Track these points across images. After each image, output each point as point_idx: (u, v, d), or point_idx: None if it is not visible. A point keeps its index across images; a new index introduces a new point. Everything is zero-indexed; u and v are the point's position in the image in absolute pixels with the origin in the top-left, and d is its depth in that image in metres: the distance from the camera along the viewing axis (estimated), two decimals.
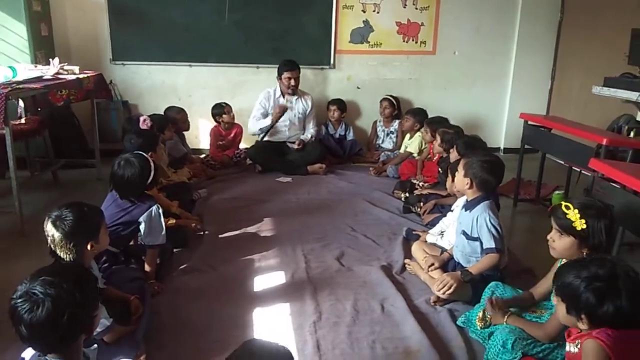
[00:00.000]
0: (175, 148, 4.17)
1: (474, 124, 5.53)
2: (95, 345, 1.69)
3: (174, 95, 5.24)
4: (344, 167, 4.98)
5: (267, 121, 4.71)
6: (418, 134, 4.74)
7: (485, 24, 5.47)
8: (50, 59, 4.03)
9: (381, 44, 5.44)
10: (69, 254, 1.84)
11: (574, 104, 5.19)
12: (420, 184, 4.03)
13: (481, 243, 2.43)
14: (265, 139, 4.86)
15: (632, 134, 3.49)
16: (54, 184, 4.24)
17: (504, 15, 5.47)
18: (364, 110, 5.61)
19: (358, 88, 5.54)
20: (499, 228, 2.41)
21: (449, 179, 2.59)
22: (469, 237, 2.49)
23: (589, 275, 1.49)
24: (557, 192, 4.09)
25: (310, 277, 2.70)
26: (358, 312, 2.36)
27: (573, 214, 1.88)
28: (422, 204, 3.60)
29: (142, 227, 2.47)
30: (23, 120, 3.94)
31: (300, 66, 4.80)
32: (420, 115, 4.79)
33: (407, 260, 2.85)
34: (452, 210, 2.95)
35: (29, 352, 1.39)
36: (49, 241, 1.86)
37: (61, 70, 3.96)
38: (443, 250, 2.74)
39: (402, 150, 4.92)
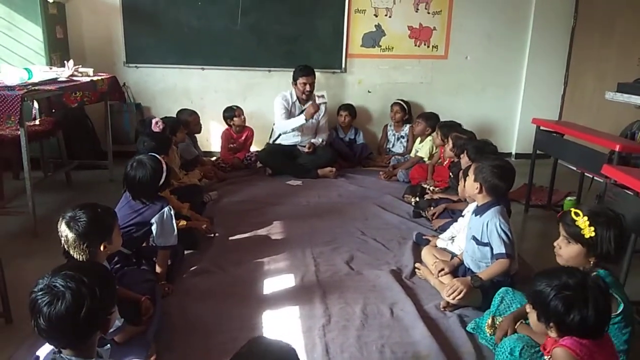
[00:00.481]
0: (187, 150, 4.20)
1: (485, 129, 5.51)
2: (109, 345, 1.70)
3: (187, 98, 5.28)
4: (355, 171, 4.98)
5: (300, 120, 4.70)
6: (429, 138, 4.73)
7: (498, 29, 5.46)
8: (65, 61, 4.08)
9: (393, 48, 5.44)
10: (83, 255, 1.86)
11: (587, 110, 5.15)
12: (431, 188, 4.02)
13: (491, 248, 2.42)
14: (278, 141, 4.88)
15: None
16: (67, 185, 4.29)
17: (517, 20, 5.45)
18: (374, 114, 5.62)
19: (369, 92, 5.54)
20: (509, 233, 2.40)
21: (461, 184, 2.58)
22: (479, 243, 2.48)
23: (559, 284, 1.51)
24: (569, 198, 4.06)
25: (320, 281, 2.70)
26: (367, 316, 2.36)
27: (582, 221, 1.85)
28: (432, 208, 3.59)
29: (154, 228, 2.49)
30: (37, 122, 4.00)
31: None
32: (431, 120, 4.79)
33: (417, 265, 2.84)
34: (463, 216, 2.94)
35: (44, 350, 1.40)
36: (62, 241, 1.88)
37: (76, 73, 4.01)
38: (453, 255, 2.73)
39: (412, 154, 4.92)
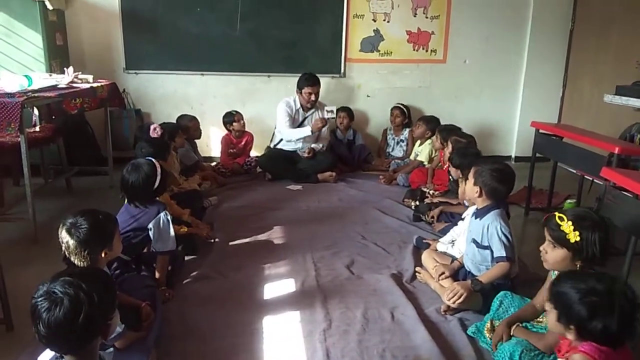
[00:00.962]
0: (187, 156, 4.21)
1: (485, 132, 5.52)
2: (112, 349, 1.70)
3: (186, 104, 5.29)
4: (355, 175, 4.99)
5: (306, 131, 4.72)
6: (428, 141, 4.74)
7: (496, 33, 5.47)
8: (65, 68, 4.10)
9: (391, 52, 5.45)
10: (83, 262, 1.86)
11: (586, 113, 5.16)
12: (431, 192, 4.03)
13: (492, 251, 2.42)
14: (278, 146, 4.89)
15: None
16: (67, 191, 4.29)
17: (515, 24, 5.47)
18: (374, 119, 5.63)
19: (368, 96, 5.56)
20: (509, 236, 2.40)
21: (461, 187, 2.58)
22: (479, 246, 2.48)
23: (586, 288, 1.49)
24: (568, 201, 4.06)
25: (320, 285, 2.70)
26: (368, 321, 2.36)
27: (567, 226, 1.85)
28: (432, 211, 3.59)
29: (151, 233, 2.49)
30: (38, 128, 4.00)
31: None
32: (432, 123, 4.80)
33: (418, 268, 2.84)
34: (462, 219, 2.94)
35: (46, 356, 1.41)
36: (63, 248, 1.88)
37: (75, 79, 4.02)
38: (454, 259, 2.73)
39: (412, 157, 4.92)
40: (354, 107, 5.41)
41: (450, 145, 3.77)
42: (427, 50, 5.49)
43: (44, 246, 3.10)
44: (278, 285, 2.72)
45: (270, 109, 4.96)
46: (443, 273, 2.59)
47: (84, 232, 1.85)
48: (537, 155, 3.91)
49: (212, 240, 3.23)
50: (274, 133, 5.03)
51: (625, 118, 4.12)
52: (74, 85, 3.92)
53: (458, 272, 2.61)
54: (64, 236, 1.87)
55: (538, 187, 4.33)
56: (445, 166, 4.11)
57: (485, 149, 5.13)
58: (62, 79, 3.91)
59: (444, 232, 3.21)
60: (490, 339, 2.11)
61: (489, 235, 2.42)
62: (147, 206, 2.53)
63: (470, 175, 2.54)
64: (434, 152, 4.60)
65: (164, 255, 2.55)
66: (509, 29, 5.48)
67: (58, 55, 4.67)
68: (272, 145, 4.99)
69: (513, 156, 5.79)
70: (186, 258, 2.94)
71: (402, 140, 5.31)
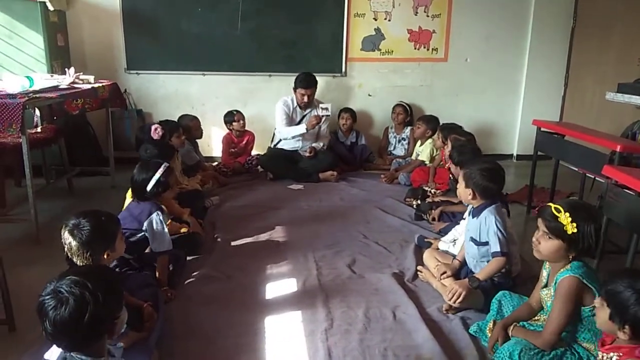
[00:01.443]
0: (189, 156, 4.21)
1: (486, 130, 5.52)
2: (122, 344, 1.70)
3: (188, 104, 5.30)
4: (356, 174, 4.99)
5: (301, 129, 4.73)
6: (429, 141, 4.74)
7: (497, 31, 5.46)
8: (66, 69, 4.10)
9: (392, 51, 5.45)
10: (86, 263, 1.87)
11: (587, 111, 5.15)
12: (432, 191, 4.02)
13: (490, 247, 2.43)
14: (279, 146, 4.89)
15: None
16: (69, 192, 4.30)
17: (516, 22, 5.46)
18: (375, 118, 5.62)
19: (369, 95, 5.55)
20: (504, 231, 2.41)
21: (460, 185, 2.59)
22: (477, 243, 2.48)
23: None
24: (571, 199, 4.05)
25: (322, 284, 2.70)
26: (370, 320, 2.36)
27: (564, 217, 1.83)
28: (434, 211, 3.59)
29: (146, 233, 2.51)
30: (39, 129, 4.01)
31: (312, 74, 4.82)
32: (432, 123, 4.79)
33: (419, 267, 2.84)
34: (464, 218, 2.94)
35: (53, 353, 1.42)
36: (65, 249, 1.89)
37: (77, 80, 4.03)
38: (455, 258, 2.73)
39: (413, 157, 4.92)
40: (355, 106, 5.41)
41: (449, 144, 3.77)
42: (428, 49, 5.48)
43: (45, 247, 3.10)
44: (280, 284, 2.72)
45: (272, 109, 4.96)
46: (445, 272, 2.59)
47: (86, 233, 1.86)
48: (539, 153, 3.91)
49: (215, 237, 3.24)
50: (274, 133, 5.03)
51: (627, 116, 4.11)
52: (76, 85, 3.93)
53: (460, 271, 2.61)
54: (67, 237, 1.87)
55: (540, 185, 4.32)
56: (447, 165, 4.10)
57: (486, 148, 5.14)
58: (64, 80, 3.92)
59: (444, 231, 3.21)
60: None
61: (487, 231, 2.43)
62: (142, 204, 2.58)
63: (461, 179, 2.56)
64: (435, 151, 4.60)
65: (163, 256, 2.56)
66: (510, 27, 5.47)
67: (59, 56, 4.68)
68: (272, 145, 4.99)
69: (515, 154, 5.78)
70: (188, 258, 2.94)
71: (403, 139, 5.31)
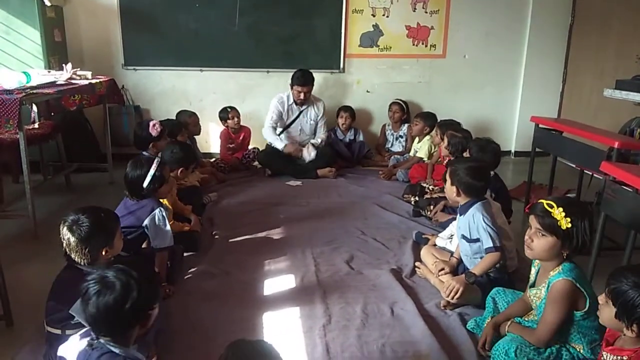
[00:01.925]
0: None
1: (484, 127, 5.52)
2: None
3: (185, 100, 5.28)
4: (354, 170, 4.99)
5: (280, 145, 4.73)
6: (427, 137, 4.73)
7: (496, 28, 5.46)
8: (64, 65, 4.08)
9: (391, 47, 5.44)
10: (84, 259, 1.87)
11: (586, 107, 5.16)
12: (430, 187, 4.03)
13: (482, 243, 2.43)
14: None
15: None
16: (66, 188, 4.29)
17: (515, 19, 5.46)
18: (373, 114, 5.62)
19: (368, 92, 5.55)
20: (493, 226, 2.41)
21: (447, 182, 2.60)
22: (468, 240, 2.49)
23: None
24: (568, 195, 4.06)
25: (320, 281, 2.70)
26: (368, 316, 2.36)
27: (558, 213, 1.79)
28: (432, 207, 3.59)
29: (147, 230, 2.50)
30: (36, 125, 3.99)
31: (310, 70, 4.81)
32: (429, 119, 4.79)
33: (417, 263, 2.84)
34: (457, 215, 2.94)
35: (69, 346, 1.43)
36: (64, 245, 1.88)
37: (74, 76, 4.01)
38: (452, 254, 2.73)
39: (411, 154, 4.92)
40: (353, 102, 5.41)
41: (446, 140, 3.77)
42: (426, 45, 5.48)
43: (43, 243, 3.10)
44: (278, 281, 2.73)
45: (270, 105, 4.95)
46: (442, 269, 2.59)
47: (85, 229, 1.85)
48: (537, 150, 3.91)
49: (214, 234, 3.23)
50: None
51: (625, 112, 4.11)
52: (73, 81, 3.91)
53: (457, 268, 2.61)
54: (65, 233, 1.87)
55: (538, 182, 4.33)
56: (445, 161, 4.10)
57: None
58: (61, 76, 3.90)
59: (444, 225, 3.21)
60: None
61: (477, 228, 2.44)
62: (142, 201, 2.54)
63: (447, 176, 2.56)
64: (433, 147, 4.60)
65: (162, 252, 2.55)
66: (508, 23, 5.47)
67: (56, 51, 4.66)
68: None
69: (513, 151, 5.79)
70: (186, 254, 2.93)
71: (400, 136, 5.30)
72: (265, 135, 4.85)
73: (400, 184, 4.46)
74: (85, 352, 1.41)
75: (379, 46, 5.43)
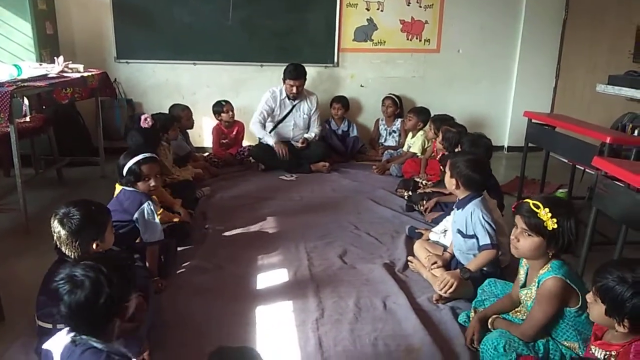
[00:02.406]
0: (180, 146, 4.18)
1: (478, 122, 5.53)
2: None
3: (178, 94, 5.26)
4: (348, 165, 4.99)
5: (270, 141, 4.71)
6: (420, 133, 4.74)
7: (490, 22, 5.46)
8: (55, 57, 4.05)
9: (385, 42, 5.43)
10: (74, 252, 1.86)
11: (578, 103, 5.17)
12: (424, 182, 4.03)
13: (478, 240, 2.44)
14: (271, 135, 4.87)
15: (636, 132, 3.49)
16: (58, 182, 4.26)
17: (508, 13, 5.46)
18: (367, 108, 5.62)
19: (362, 86, 5.54)
20: (491, 223, 2.42)
21: (446, 174, 2.61)
22: (464, 235, 2.50)
23: (637, 281, 1.42)
24: (560, 190, 4.09)
25: (313, 275, 2.71)
26: (360, 310, 2.37)
27: (544, 213, 1.80)
28: (425, 202, 3.60)
29: (138, 224, 2.49)
30: (28, 119, 3.96)
31: (304, 64, 4.79)
32: (422, 114, 4.79)
33: (410, 258, 2.85)
34: (454, 209, 2.95)
35: (54, 342, 1.42)
36: (54, 237, 1.88)
37: (66, 69, 3.98)
38: (445, 248, 2.74)
39: (405, 149, 4.92)
40: (348, 97, 5.39)
41: (440, 135, 3.78)
42: (420, 40, 5.47)
43: (35, 237, 3.07)
44: (271, 275, 2.72)
45: (261, 98, 4.93)
46: (435, 263, 2.60)
47: (76, 222, 1.85)
48: (530, 145, 3.93)
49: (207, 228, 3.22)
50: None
51: (618, 107, 4.13)
52: (65, 74, 3.88)
53: (450, 262, 2.62)
54: (56, 226, 1.86)
55: (530, 176, 4.35)
56: (438, 156, 4.11)
57: None
58: (53, 69, 3.87)
59: (436, 221, 3.22)
60: None
61: (473, 224, 2.44)
62: (131, 194, 2.54)
63: (447, 169, 2.57)
64: (426, 142, 4.60)
65: (152, 246, 2.54)
66: (502, 18, 5.47)
67: (48, 44, 4.62)
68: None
69: (506, 146, 5.80)
70: (179, 249, 2.93)
71: (394, 131, 5.31)
72: (254, 131, 4.84)
73: (393, 179, 4.46)
74: (69, 348, 1.40)
75: (373, 40, 5.42)
